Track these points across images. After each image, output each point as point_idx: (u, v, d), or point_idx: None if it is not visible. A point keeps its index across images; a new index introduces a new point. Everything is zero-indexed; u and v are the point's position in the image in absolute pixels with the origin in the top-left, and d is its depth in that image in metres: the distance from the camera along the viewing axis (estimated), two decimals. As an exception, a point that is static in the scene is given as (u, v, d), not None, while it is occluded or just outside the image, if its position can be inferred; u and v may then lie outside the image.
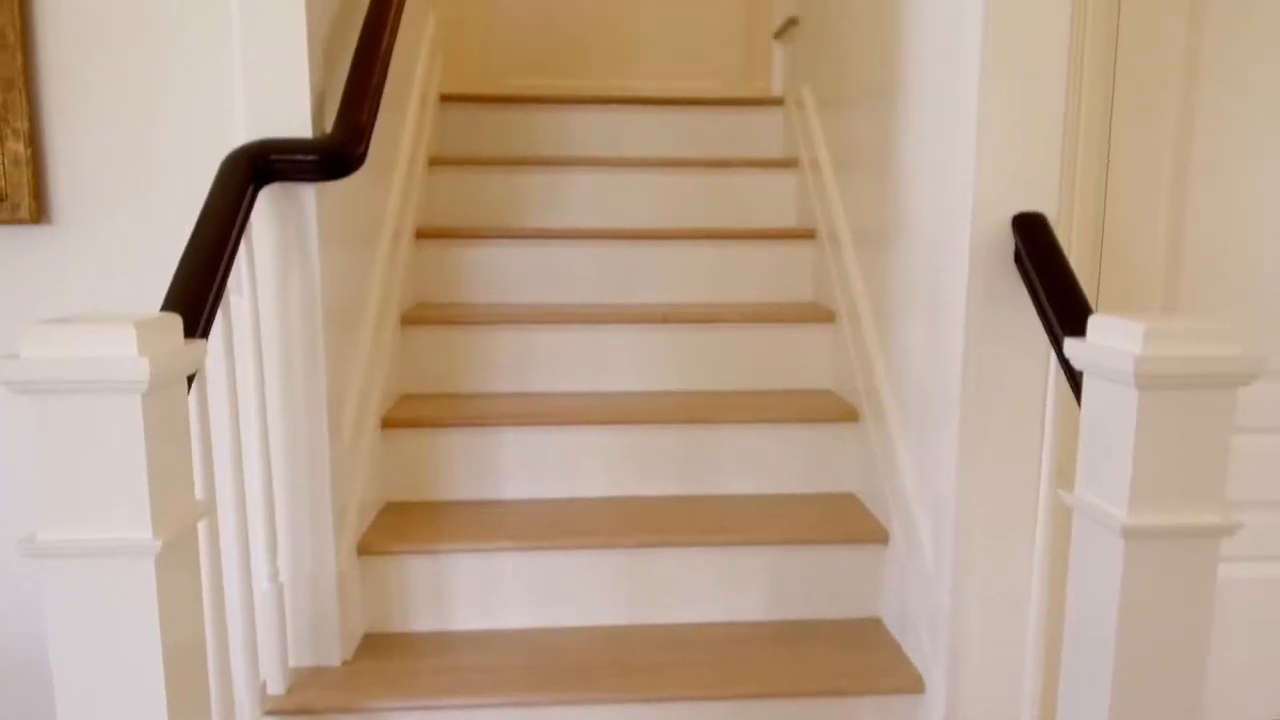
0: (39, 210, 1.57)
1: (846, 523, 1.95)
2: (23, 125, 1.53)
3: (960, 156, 1.55)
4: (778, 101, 3.05)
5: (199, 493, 1.29)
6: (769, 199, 2.80)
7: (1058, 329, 1.32)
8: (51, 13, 1.53)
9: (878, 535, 1.91)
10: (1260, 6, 1.78)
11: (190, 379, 1.20)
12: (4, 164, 1.53)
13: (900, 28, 1.87)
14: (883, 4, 1.98)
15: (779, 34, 3.10)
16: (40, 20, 1.53)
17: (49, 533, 1.03)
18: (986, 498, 1.57)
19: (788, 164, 2.79)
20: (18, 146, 1.53)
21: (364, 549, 1.82)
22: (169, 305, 1.19)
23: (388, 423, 2.03)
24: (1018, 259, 1.48)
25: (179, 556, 1.09)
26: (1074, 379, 1.29)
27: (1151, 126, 1.80)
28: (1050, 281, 1.36)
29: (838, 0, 2.38)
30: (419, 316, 2.25)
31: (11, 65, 1.51)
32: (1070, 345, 1.23)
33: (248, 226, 1.45)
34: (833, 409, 2.14)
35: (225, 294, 1.35)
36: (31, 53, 1.54)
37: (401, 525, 1.92)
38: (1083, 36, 1.75)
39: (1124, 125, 1.79)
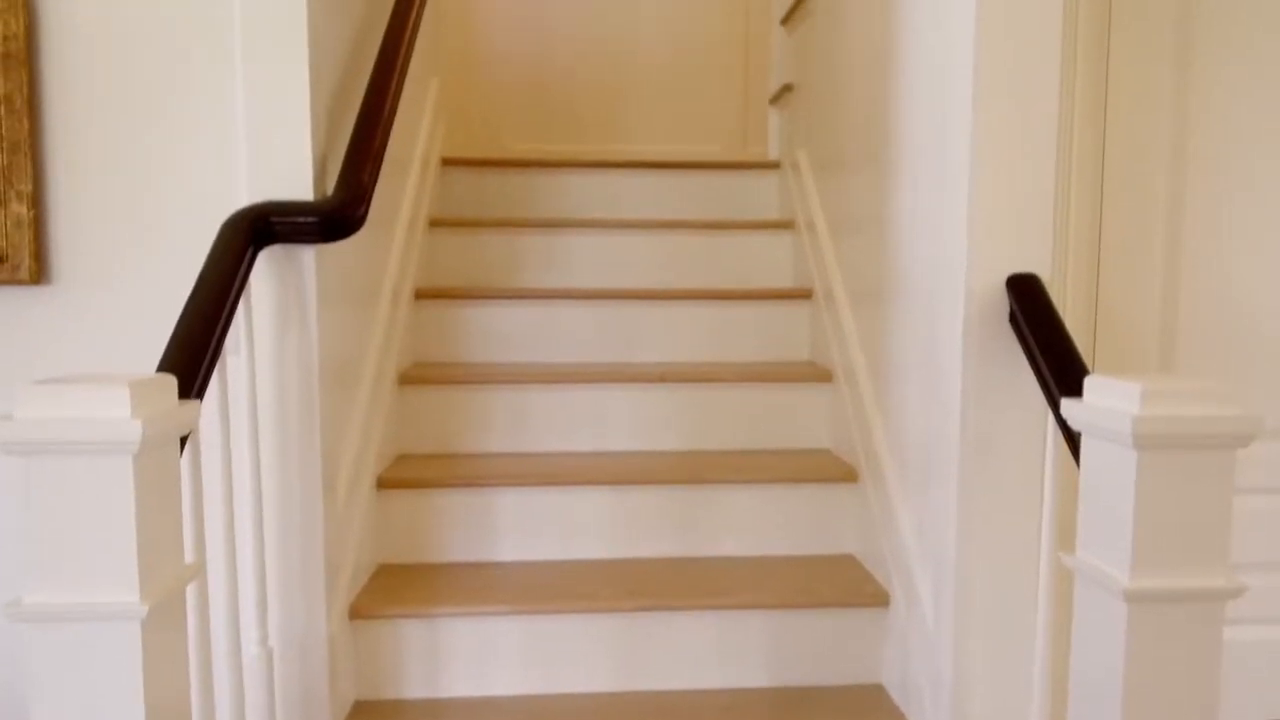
0: (39, 271, 1.58)
1: (846, 585, 1.93)
2: (26, 188, 1.54)
3: (953, 219, 1.57)
4: (774, 165, 3.10)
5: (189, 555, 1.28)
6: (766, 260, 2.82)
7: (1054, 390, 1.32)
8: (58, 78, 1.56)
9: (878, 598, 1.88)
10: (1244, 55, 1.81)
11: (183, 440, 1.19)
12: (6, 226, 1.55)
13: (892, 93, 1.90)
14: (874, 71, 2.02)
15: (775, 100, 3.16)
16: (47, 85, 1.56)
17: (35, 596, 1.01)
18: (988, 559, 1.55)
19: (784, 226, 2.82)
20: (20, 209, 1.55)
21: (356, 613, 1.79)
22: (165, 366, 1.19)
23: (383, 483, 2.01)
24: (1013, 319, 1.49)
25: (166, 620, 1.07)
26: (1072, 439, 1.28)
27: (1143, 185, 1.82)
28: (1046, 342, 1.36)
29: (831, 68, 2.43)
30: (417, 376, 2.25)
31: (18, 129, 1.54)
32: (1067, 406, 1.23)
33: (246, 287, 1.46)
34: (831, 469, 2.13)
35: (222, 354, 1.35)
36: (37, 117, 1.56)
37: (395, 588, 1.89)
38: (1073, 98, 1.78)
39: (1116, 185, 1.82)
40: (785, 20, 2.95)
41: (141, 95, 1.58)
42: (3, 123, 1.53)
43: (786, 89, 2.99)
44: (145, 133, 1.59)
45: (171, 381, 1.10)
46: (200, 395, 1.22)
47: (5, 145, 1.53)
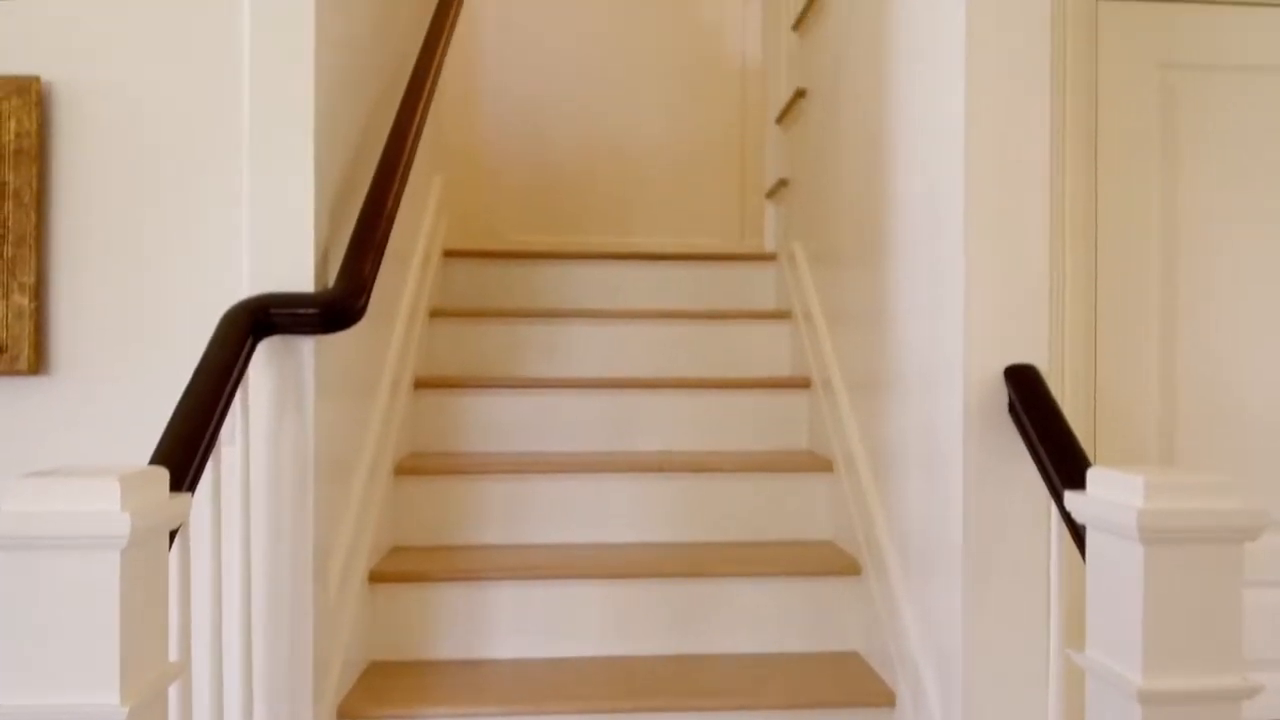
0: (37, 362, 1.58)
1: (850, 684, 1.87)
2: (29, 279, 1.56)
3: (949, 310, 1.58)
4: (771, 257, 3.14)
5: (173, 654, 1.24)
6: (764, 349, 2.83)
7: (1057, 482, 1.30)
8: (67, 173, 1.60)
9: (883, 697, 1.82)
10: (1227, 152, 1.85)
11: (173, 533, 1.17)
12: (7, 317, 1.56)
13: (885, 188, 1.94)
14: (867, 166, 2.07)
15: (771, 194, 3.23)
16: (56, 180, 1.59)
17: (11, 697, 0.98)
18: (995, 656, 1.51)
19: (782, 315, 2.84)
20: (22, 300, 1.56)
21: (344, 713, 1.73)
22: (158, 458, 1.18)
23: (376, 577, 1.97)
24: (1012, 410, 1.48)
25: (146, 724, 1.03)
26: (1077, 532, 1.26)
27: (1136, 276, 1.84)
28: (1046, 434, 1.35)
29: (825, 164, 2.49)
30: (413, 466, 2.23)
31: (25, 223, 1.56)
32: (1070, 499, 1.21)
33: (244, 378, 1.45)
34: (833, 561, 2.09)
35: (217, 445, 1.34)
36: (44, 210, 1.59)
37: (385, 688, 1.84)
38: (1063, 191, 1.81)
39: (1109, 278, 1.83)
40: (780, 119, 3.03)
41: (148, 189, 1.61)
42: (10, 216, 1.56)
43: (782, 184, 3.05)
44: (149, 225, 1.61)
45: (163, 474, 1.09)
46: (192, 488, 1.21)
47: (11, 238, 1.56)
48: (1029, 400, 1.42)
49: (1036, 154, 1.53)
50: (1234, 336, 1.86)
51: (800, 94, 2.73)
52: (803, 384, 2.57)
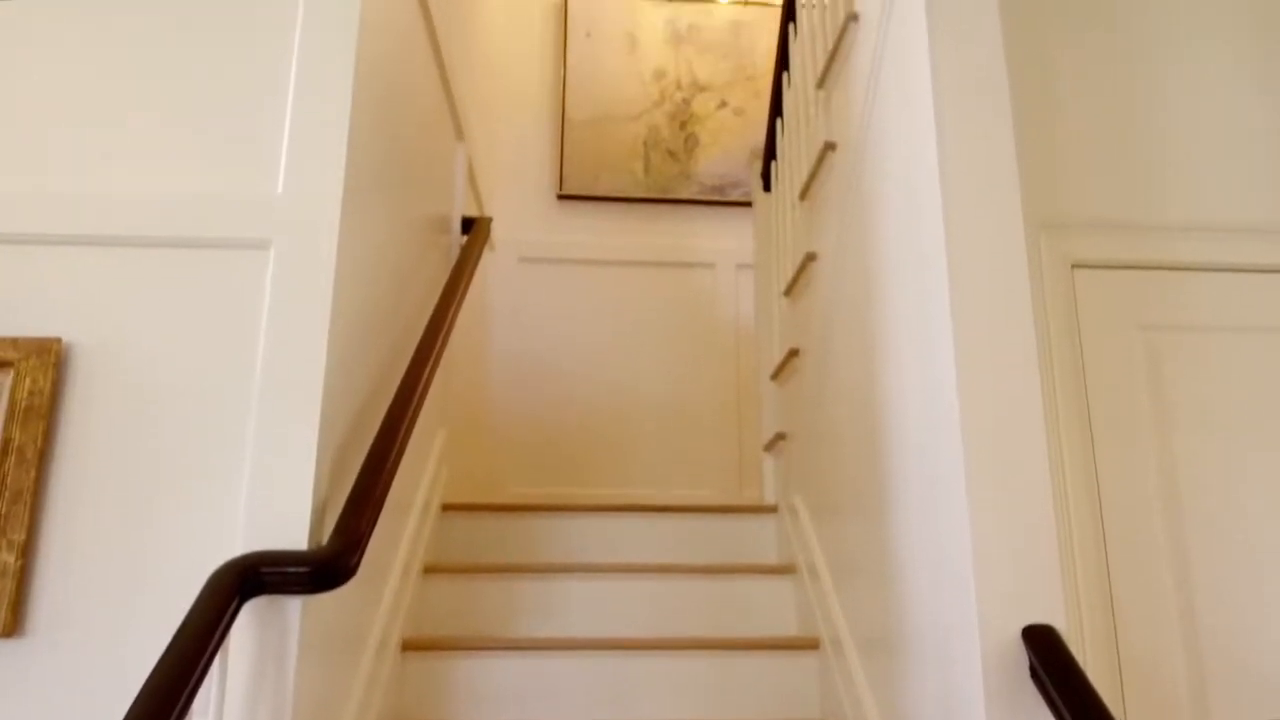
0: (14, 623, 1.52)
1: None
2: (19, 537, 1.53)
3: (958, 570, 1.54)
4: (771, 509, 3.11)
5: None
6: (768, 605, 2.73)
7: (1092, 758, 1.21)
8: (73, 432, 1.61)
9: None
10: (1217, 407, 1.88)
11: (129, 822, 1.07)
12: (-11, 576, 1.51)
13: (882, 443, 1.96)
14: (861, 422, 2.10)
15: (768, 447, 3.26)
16: (61, 438, 1.61)
17: None
18: None
19: (785, 570, 2.76)
20: (9, 558, 1.52)
21: None
22: (122, 733, 1.10)
23: None
24: (1034, 674, 1.40)
25: None
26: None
27: (1143, 530, 1.81)
28: (1075, 703, 1.27)
29: (821, 418, 2.53)
30: (396, 739, 2.08)
31: (24, 479, 1.56)
32: (1109, 778, 1.12)
33: (225, 642, 1.39)
34: None
35: (189, 717, 1.25)
36: (45, 466, 1.59)
37: None
38: (1060, 449, 1.83)
39: (1116, 530, 1.81)
40: (774, 376, 3.13)
41: (150, 447, 1.62)
42: (10, 473, 1.55)
43: (779, 437, 3.08)
44: (147, 482, 1.60)
45: (127, 753, 1.00)
46: (156, 767, 1.12)
47: (7, 494, 1.55)
48: (1053, 666, 1.35)
49: (1029, 411, 1.56)
50: (1252, 582, 1.80)
51: (794, 353, 2.83)
52: (811, 644, 2.46)
